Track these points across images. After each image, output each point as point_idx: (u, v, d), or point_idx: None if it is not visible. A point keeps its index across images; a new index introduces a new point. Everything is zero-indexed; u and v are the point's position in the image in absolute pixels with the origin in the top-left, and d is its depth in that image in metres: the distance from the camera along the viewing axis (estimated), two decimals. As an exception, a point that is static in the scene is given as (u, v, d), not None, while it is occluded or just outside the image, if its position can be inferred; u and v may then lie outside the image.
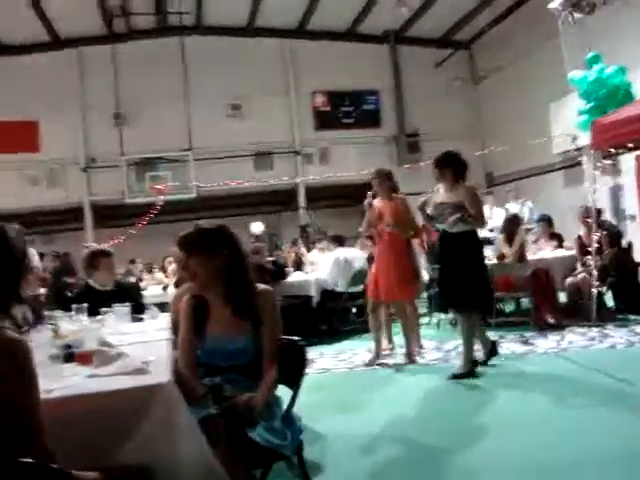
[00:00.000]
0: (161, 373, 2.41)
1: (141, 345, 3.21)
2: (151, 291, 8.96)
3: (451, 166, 5.63)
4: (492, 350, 5.96)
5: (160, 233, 14.08)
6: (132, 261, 11.52)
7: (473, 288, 5.52)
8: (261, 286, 2.98)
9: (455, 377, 5.59)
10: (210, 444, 2.32)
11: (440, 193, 5.74)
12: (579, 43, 11.34)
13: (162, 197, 14.01)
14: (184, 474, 2.20)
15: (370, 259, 7.84)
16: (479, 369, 5.74)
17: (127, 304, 4.27)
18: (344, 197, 17.89)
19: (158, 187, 14.23)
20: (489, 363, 5.93)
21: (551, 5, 10.74)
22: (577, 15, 10.76)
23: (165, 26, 15.41)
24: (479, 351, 5.97)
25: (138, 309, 4.69)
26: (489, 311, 7.18)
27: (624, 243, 8.42)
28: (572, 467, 3.47)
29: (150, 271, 11.61)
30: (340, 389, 5.82)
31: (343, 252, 8.66)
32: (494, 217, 10.02)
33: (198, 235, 2.92)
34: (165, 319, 4.26)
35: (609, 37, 11.30)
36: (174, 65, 15.41)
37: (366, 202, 6.45)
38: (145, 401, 2.23)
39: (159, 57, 15.17)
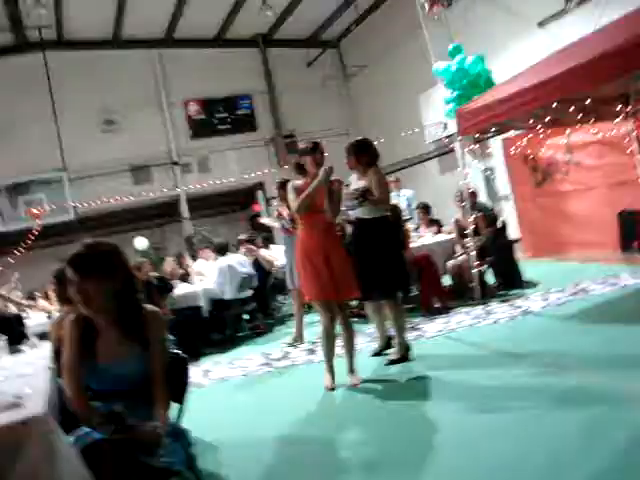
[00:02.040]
0: (36, 406, 2.32)
1: (18, 379, 3.09)
2: (35, 320, 8.59)
3: (361, 153, 5.65)
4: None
5: (40, 259, 13.58)
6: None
7: (394, 273, 5.57)
8: (149, 307, 2.90)
9: (392, 363, 5.68)
10: (94, 474, 2.25)
11: (353, 182, 5.78)
12: (440, 35, 11.76)
13: (39, 221, 13.46)
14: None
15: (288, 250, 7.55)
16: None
17: (2, 337, 4.09)
18: (227, 204, 17.87)
19: (34, 211, 13.67)
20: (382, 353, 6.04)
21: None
22: (436, 9, 11.11)
23: (25, 42, 14.80)
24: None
25: (17, 340, 4.51)
26: (407, 294, 7.23)
27: (500, 223, 8.77)
28: (461, 432, 3.59)
29: (32, 299, 11.12)
30: (236, 397, 5.77)
31: (227, 260, 8.61)
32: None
33: (94, 256, 2.76)
34: (46, 347, 4.11)
35: (467, 28, 11.77)
36: (39, 82, 14.74)
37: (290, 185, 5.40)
38: (21, 436, 2.14)
39: (22, 75, 14.51)
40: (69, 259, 2.76)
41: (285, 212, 7.42)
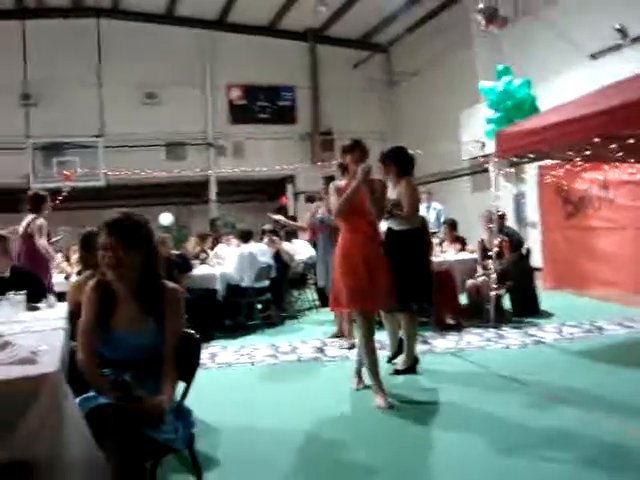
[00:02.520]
0: (50, 363, 2.37)
1: (34, 334, 3.14)
2: (53, 279, 8.70)
3: (395, 162, 5.62)
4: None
5: (66, 221, 13.70)
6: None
7: (416, 283, 5.47)
8: (170, 284, 2.96)
9: (397, 372, 5.68)
10: (96, 437, 2.30)
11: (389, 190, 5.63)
12: (491, 55, 11.73)
13: (69, 184, 13.63)
14: (66, 468, 2.16)
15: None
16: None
17: (22, 292, 4.14)
18: (256, 192, 17.93)
19: (66, 173, 13.83)
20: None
21: (474, 15, 11.03)
22: (491, 28, 11.08)
23: (80, 6, 14.98)
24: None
25: (35, 297, 4.56)
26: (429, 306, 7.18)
27: (524, 250, 8.74)
28: (461, 460, 3.61)
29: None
30: (240, 383, 5.82)
31: (249, 247, 8.64)
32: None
33: (131, 225, 2.85)
34: (63, 308, 4.16)
35: (519, 51, 11.73)
36: (89, 47, 14.94)
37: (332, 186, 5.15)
38: (31, 392, 2.18)
39: (73, 38, 14.70)
40: (107, 223, 2.82)
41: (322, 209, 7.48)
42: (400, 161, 5.67)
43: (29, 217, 7.42)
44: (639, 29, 9.65)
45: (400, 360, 5.86)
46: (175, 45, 15.61)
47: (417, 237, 5.67)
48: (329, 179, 6.52)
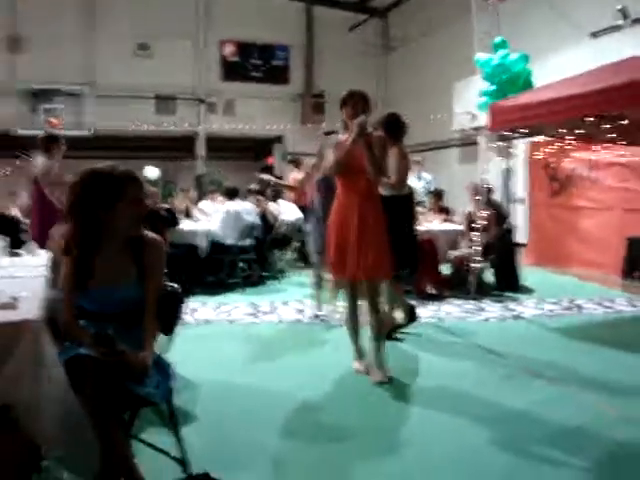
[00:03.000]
0: (30, 310, 2.34)
1: (14, 280, 3.11)
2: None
3: (386, 128, 5.52)
4: (411, 315, 6.01)
5: (50, 168, 13.52)
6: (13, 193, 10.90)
7: (403, 251, 5.36)
8: (150, 234, 2.91)
9: (398, 327, 5.87)
10: (74, 387, 2.28)
11: None
12: (489, 27, 11.61)
13: (55, 131, 13.43)
14: (44, 415, 2.15)
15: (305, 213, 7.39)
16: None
17: (3, 237, 4.10)
18: (244, 150, 17.81)
19: (52, 120, 13.63)
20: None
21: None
22: (492, 0, 10.97)
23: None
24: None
25: (16, 244, 4.52)
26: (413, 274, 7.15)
27: (507, 224, 8.75)
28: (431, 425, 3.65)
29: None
30: (218, 340, 5.83)
31: (235, 205, 8.60)
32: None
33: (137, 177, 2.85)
34: (44, 256, 4.12)
35: (517, 25, 11.61)
36: (82, -8, 14.60)
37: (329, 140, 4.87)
38: (11, 337, 2.17)
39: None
40: (128, 172, 2.79)
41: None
42: (391, 127, 5.61)
43: (39, 160, 7.02)
44: (638, 10, 9.57)
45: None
46: (170, -4, 15.27)
47: (404, 204, 5.67)
48: (329, 134, 5.93)
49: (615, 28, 10.01)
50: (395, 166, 5.37)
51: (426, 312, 6.91)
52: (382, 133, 5.34)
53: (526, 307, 7.29)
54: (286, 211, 9.93)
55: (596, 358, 5.20)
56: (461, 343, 5.76)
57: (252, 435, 3.56)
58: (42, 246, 6.32)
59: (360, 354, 4.83)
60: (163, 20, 15.03)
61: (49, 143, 7.02)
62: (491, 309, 7.18)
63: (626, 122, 6.36)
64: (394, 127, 5.65)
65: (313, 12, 16.81)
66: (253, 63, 16.49)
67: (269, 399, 4.14)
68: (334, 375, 4.70)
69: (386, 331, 5.34)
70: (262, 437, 3.53)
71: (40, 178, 6.81)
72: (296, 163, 10.73)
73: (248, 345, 5.66)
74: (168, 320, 2.90)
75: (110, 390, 2.44)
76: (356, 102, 4.75)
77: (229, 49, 16.25)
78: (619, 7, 9.59)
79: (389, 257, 4.63)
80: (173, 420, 2.83)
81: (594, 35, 10.69)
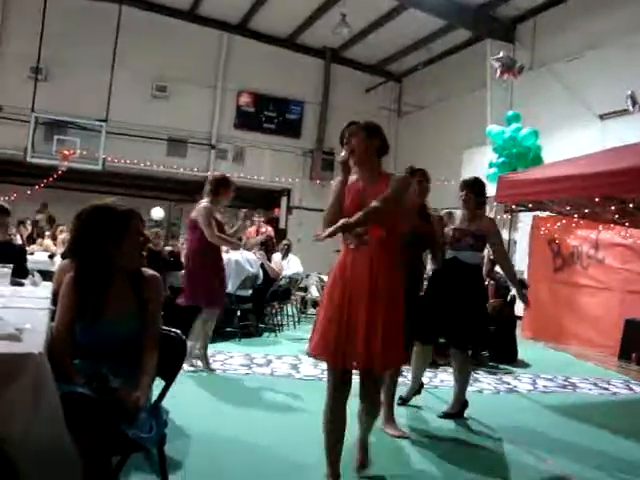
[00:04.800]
0: (34, 343, 2.33)
1: (17, 311, 3.09)
2: (37, 257, 8.65)
3: (477, 194, 5.37)
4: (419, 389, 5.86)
5: (58, 200, 13.64)
6: (21, 222, 10.98)
7: (478, 325, 5.24)
8: (149, 271, 2.92)
9: (446, 416, 5.41)
10: (69, 425, 2.26)
11: (458, 218, 5.42)
12: (502, 100, 11.83)
13: (67, 163, 13.56)
14: (37, 450, 2.13)
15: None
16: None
17: (8, 265, 4.10)
18: (250, 200, 17.87)
19: (64, 152, 13.76)
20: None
21: (491, 59, 11.12)
22: (507, 75, 11.18)
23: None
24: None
25: (20, 273, 4.52)
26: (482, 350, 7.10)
27: (509, 296, 8.75)
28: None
29: (41, 236, 11.21)
30: (211, 389, 5.77)
31: (237, 254, 8.62)
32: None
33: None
34: (47, 288, 4.12)
35: (529, 100, 11.84)
36: (107, 30, 14.71)
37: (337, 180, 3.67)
38: (13, 369, 2.15)
39: (93, 20, 14.56)
40: (130, 208, 2.84)
41: None
42: (481, 193, 5.41)
43: (202, 202, 6.27)
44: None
45: (449, 404, 5.57)
46: (193, 43, 15.62)
47: (480, 273, 5.54)
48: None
49: (623, 112, 10.19)
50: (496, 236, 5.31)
51: (423, 379, 6.85)
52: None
53: (521, 381, 7.23)
54: (291, 266, 9.95)
55: (587, 438, 5.13)
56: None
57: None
58: (213, 303, 6.25)
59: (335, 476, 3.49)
60: (183, 64, 15.37)
61: (220, 186, 6.28)
62: (485, 380, 7.12)
63: (631, 206, 6.43)
64: (482, 193, 5.43)
65: (331, 70, 17.14)
66: (267, 115, 16.75)
67: (261, 456, 4.07)
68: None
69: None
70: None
71: (201, 222, 6.08)
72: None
73: (240, 397, 5.59)
74: (169, 366, 2.88)
75: (103, 431, 2.41)
76: (349, 136, 3.67)
77: (245, 99, 16.52)
78: (629, 92, 9.78)
79: (400, 342, 3.46)
80: (163, 468, 2.79)
81: (602, 117, 10.88)
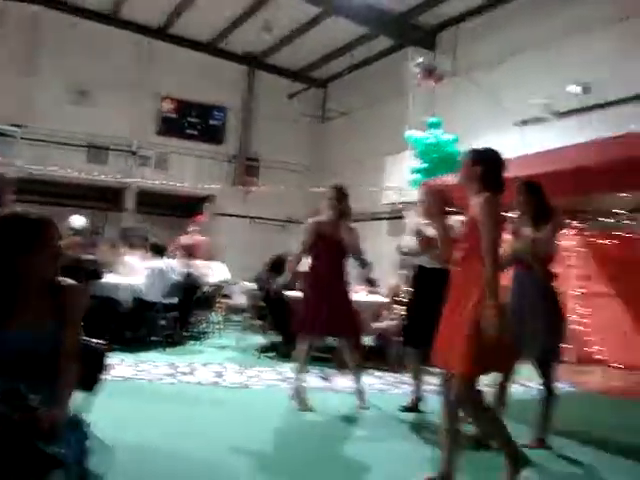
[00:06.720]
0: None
1: None
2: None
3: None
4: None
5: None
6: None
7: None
8: (68, 281, 2.81)
9: (406, 410, 5.86)
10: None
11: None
12: (423, 106, 12.04)
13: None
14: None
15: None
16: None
17: None
18: (173, 207, 17.67)
19: (-24, 158, 13.24)
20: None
21: (412, 65, 11.29)
22: (427, 82, 11.37)
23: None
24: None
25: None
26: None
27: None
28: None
29: None
30: (135, 400, 5.66)
31: (160, 262, 8.51)
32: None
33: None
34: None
35: (450, 107, 12.07)
36: (24, 32, 14.24)
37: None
38: None
39: (10, 19, 13.99)
40: (43, 215, 2.71)
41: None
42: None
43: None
44: (562, 105, 10.09)
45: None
46: (114, 47, 15.25)
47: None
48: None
49: (540, 120, 10.51)
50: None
51: (346, 382, 6.89)
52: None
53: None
54: (215, 273, 9.87)
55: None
56: (375, 414, 5.78)
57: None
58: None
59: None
60: (104, 69, 15.01)
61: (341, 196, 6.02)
62: (411, 382, 7.20)
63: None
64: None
65: (255, 77, 17.09)
66: (190, 121, 16.52)
67: (186, 464, 4.02)
68: (250, 440, 4.62)
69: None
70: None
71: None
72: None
73: (165, 406, 5.51)
74: (90, 377, 2.79)
75: (17, 450, 2.31)
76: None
77: (167, 105, 16.26)
78: (545, 101, 10.09)
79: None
80: (84, 484, 2.68)
81: (520, 124, 11.21)
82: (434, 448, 4.42)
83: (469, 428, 4.43)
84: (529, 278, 4.84)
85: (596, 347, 8.77)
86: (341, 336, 5.99)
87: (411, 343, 5.91)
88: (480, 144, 10.90)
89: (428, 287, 5.41)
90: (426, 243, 4.94)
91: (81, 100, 15.16)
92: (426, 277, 5.58)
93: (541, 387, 5.00)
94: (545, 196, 4.96)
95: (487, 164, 3.90)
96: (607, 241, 9.15)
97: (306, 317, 5.80)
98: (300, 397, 5.76)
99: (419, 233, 5.23)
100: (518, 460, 3.72)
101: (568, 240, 8.82)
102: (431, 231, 5.01)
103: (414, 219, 8.11)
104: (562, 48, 10.56)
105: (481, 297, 3.56)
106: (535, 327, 4.73)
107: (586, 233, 9.08)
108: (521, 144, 9.41)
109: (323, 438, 4.93)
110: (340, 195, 5.92)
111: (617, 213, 7.63)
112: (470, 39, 12.85)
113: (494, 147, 4.09)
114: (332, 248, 5.78)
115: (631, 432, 5.70)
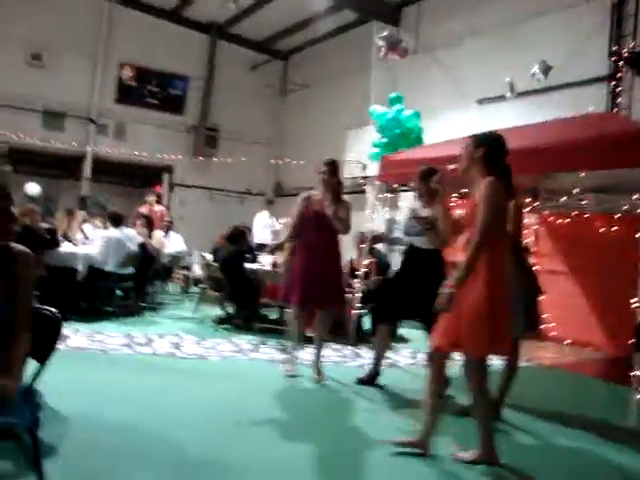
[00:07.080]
0: None
1: None
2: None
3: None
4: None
5: None
6: None
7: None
8: (18, 246, 2.75)
9: (362, 382, 5.91)
10: None
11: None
12: (385, 82, 12.04)
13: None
14: None
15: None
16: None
17: None
18: (132, 177, 17.46)
19: None
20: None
21: (376, 38, 11.22)
22: (391, 55, 11.32)
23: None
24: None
25: None
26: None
27: (390, 273, 8.94)
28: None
29: None
30: (90, 370, 5.60)
31: (117, 232, 8.40)
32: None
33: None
34: None
35: (412, 83, 12.12)
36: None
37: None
38: None
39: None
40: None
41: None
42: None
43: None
44: (522, 85, 10.16)
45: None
46: (72, 10, 14.75)
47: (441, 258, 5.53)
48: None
49: (500, 98, 10.58)
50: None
51: (305, 354, 6.92)
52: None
53: (401, 356, 7.45)
54: (171, 244, 9.79)
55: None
56: (334, 386, 5.83)
57: (120, 471, 3.42)
58: None
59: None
60: (62, 32, 14.61)
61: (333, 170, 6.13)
62: (367, 355, 7.26)
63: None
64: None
65: (217, 46, 16.86)
66: (150, 89, 16.25)
67: (141, 437, 3.98)
68: (206, 412, 4.61)
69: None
70: (131, 473, 3.40)
71: None
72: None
73: (120, 377, 5.47)
74: (43, 347, 2.74)
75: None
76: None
77: (127, 72, 15.94)
78: (508, 80, 10.15)
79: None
80: (37, 454, 2.65)
81: (480, 102, 11.29)
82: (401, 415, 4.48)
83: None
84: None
85: (551, 324, 8.91)
86: (325, 308, 6.05)
87: (387, 319, 5.92)
88: (440, 120, 11.12)
89: (419, 267, 5.48)
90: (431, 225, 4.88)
91: (37, 63, 14.73)
92: (419, 258, 5.56)
93: (504, 360, 5.10)
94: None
95: (490, 147, 3.96)
96: (562, 220, 9.30)
97: (292, 287, 5.88)
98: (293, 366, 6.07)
99: (415, 214, 5.42)
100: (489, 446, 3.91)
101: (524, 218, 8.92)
102: (425, 212, 5.23)
103: (372, 194, 8.16)
104: (524, 29, 10.65)
105: (490, 278, 3.65)
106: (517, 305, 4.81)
107: (544, 213, 9.20)
108: (481, 122, 9.47)
109: (283, 408, 4.95)
110: (332, 170, 6.03)
111: (573, 192, 7.73)
112: (433, 17, 12.90)
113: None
114: (322, 222, 5.84)
115: (580, 405, 5.87)
